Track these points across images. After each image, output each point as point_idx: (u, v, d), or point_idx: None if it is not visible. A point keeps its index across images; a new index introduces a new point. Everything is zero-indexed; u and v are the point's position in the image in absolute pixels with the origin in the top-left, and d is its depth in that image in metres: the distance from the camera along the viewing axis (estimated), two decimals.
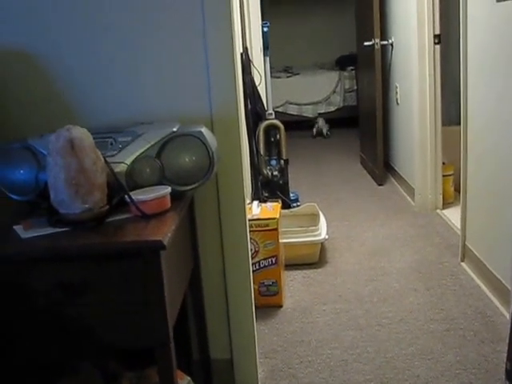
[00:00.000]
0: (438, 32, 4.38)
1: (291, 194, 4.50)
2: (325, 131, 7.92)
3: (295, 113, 8.07)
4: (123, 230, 1.75)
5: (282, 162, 4.46)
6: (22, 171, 2.00)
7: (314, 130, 8.00)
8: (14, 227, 1.81)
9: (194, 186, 1.95)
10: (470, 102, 3.46)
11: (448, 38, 4.77)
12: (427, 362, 2.66)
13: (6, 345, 1.75)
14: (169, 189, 1.84)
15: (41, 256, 1.69)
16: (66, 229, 1.76)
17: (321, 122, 8.01)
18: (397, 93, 5.30)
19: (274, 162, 4.45)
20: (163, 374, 1.71)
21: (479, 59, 3.28)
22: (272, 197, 4.14)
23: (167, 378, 1.71)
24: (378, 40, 5.19)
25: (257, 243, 3.13)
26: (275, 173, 4.40)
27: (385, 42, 5.37)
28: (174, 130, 1.96)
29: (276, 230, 3.17)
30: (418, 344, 2.80)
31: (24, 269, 1.69)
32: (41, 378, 1.96)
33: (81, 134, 1.76)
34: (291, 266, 3.63)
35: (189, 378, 1.98)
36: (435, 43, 4.41)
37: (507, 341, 2.51)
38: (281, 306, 3.24)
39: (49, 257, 1.69)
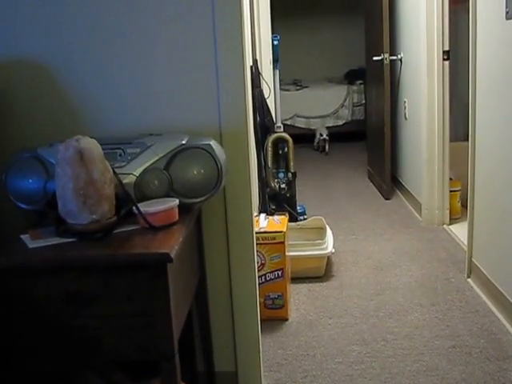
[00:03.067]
0: (447, 48, 4.38)
1: (298, 207, 4.48)
2: (326, 147, 7.74)
3: (303, 126, 8.06)
4: (130, 241, 1.74)
5: (290, 174, 4.45)
6: (30, 180, 2.00)
7: (315, 142, 7.93)
8: (22, 236, 1.81)
9: (202, 198, 1.94)
10: (478, 117, 3.45)
11: (457, 54, 4.77)
12: (432, 379, 2.63)
13: (12, 354, 1.75)
14: (177, 201, 1.84)
15: (48, 266, 1.69)
16: (74, 239, 1.76)
17: (321, 136, 7.78)
18: (405, 108, 5.29)
19: (281, 175, 4.44)
20: None
21: (488, 76, 3.27)
22: (279, 209, 4.13)
23: None
24: (387, 55, 5.18)
25: (263, 256, 3.11)
26: (283, 185, 4.39)
27: (394, 57, 5.36)
28: (183, 142, 1.96)
29: (283, 243, 3.15)
30: (423, 360, 2.77)
31: (31, 279, 1.69)
32: None
33: (90, 144, 1.76)
34: (297, 279, 3.61)
35: None
36: (444, 59, 4.40)
37: None
38: (286, 319, 3.22)
39: (56, 267, 1.68)
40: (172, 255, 1.60)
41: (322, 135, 7.65)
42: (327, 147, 7.70)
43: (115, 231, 1.79)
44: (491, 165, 3.29)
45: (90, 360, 1.78)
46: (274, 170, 4.42)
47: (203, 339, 2.39)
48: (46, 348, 1.73)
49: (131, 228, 1.81)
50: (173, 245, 1.66)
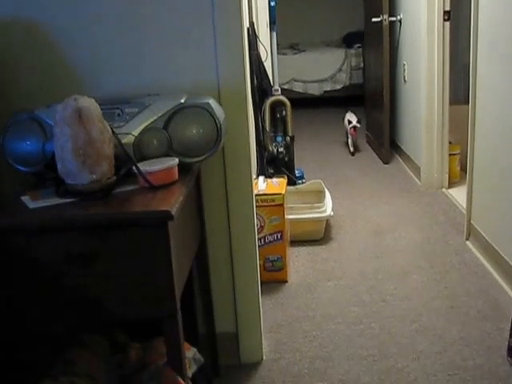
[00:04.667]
0: (448, 8, 4.35)
1: (296, 171, 4.50)
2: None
3: (301, 90, 8.04)
4: (130, 200, 1.76)
5: (288, 138, 4.45)
6: (28, 142, 2.00)
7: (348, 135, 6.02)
8: (22, 198, 1.82)
9: (201, 157, 1.96)
10: (479, 80, 3.45)
11: (458, 15, 4.75)
12: (430, 338, 2.68)
13: (14, 316, 1.77)
14: (176, 160, 1.85)
15: (49, 226, 1.70)
16: (74, 199, 1.77)
17: (349, 124, 5.93)
18: (404, 70, 5.28)
19: (279, 139, 4.44)
20: (171, 344, 1.73)
21: (490, 36, 3.27)
22: (277, 173, 4.14)
23: (175, 349, 1.73)
24: (386, 16, 5.15)
25: (262, 218, 3.14)
26: (281, 149, 4.39)
27: (393, 19, 5.33)
28: (182, 101, 1.97)
29: (282, 205, 3.18)
30: (422, 320, 2.82)
31: (31, 239, 1.70)
32: (49, 349, 1.97)
33: (88, 103, 1.76)
34: (296, 242, 3.64)
35: (195, 350, 2.00)
36: (445, 20, 4.38)
37: (510, 318, 2.53)
38: (285, 282, 3.26)
39: (56, 227, 1.70)
40: (173, 213, 1.62)
41: (350, 122, 5.91)
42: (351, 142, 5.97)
43: (115, 191, 1.80)
44: (491, 128, 3.31)
45: (92, 320, 1.82)
46: (272, 134, 4.42)
47: (204, 301, 2.42)
48: (47, 308, 1.76)
49: (131, 188, 1.83)
50: (173, 203, 1.68)
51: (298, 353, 2.63)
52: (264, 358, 2.59)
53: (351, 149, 5.87)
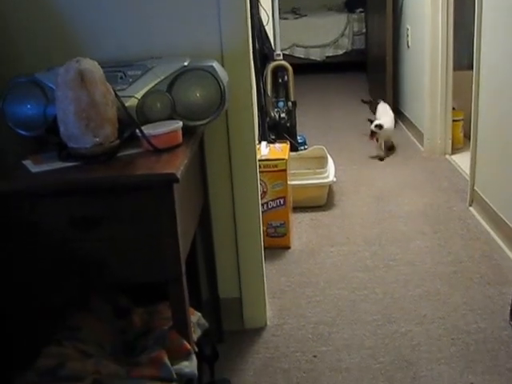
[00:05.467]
0: None
1: (298, 137, 4.49)
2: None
3: (302, 56, 7.98)
4: (135, 164, 1.75)
5: (290, 104, 4.43)
6: (29, 106, 1.99)
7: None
8: (23, 162, 1.82)
9: (205, 121, 1.95)
10: (483, 45, 3.42)
11: None
12: (434, 303, 2.70)
13: (17, 282, 1.78)
14: (180, 123, 1.84)
15: (51, 190, 1.70)
16: (77, 163, 1.77)
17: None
18: (407, 35, 5.24)
19: (281, 104, 4.43)
20: (176, 308, 1.74)
21: (495, 0, 3.23)
22: (279, 139, 4.13)
23: (180, 313, 1.74)
24: None
25: (265, 184, 3.14)
26: (282, 115, 4.38)
27: None
28: (185, 64, 1.95)
29: (285, 170, 3.18)
30: (425, 286, 2.84)
31: (35, 203, 1.70)
32: (52, 314, 1.98)
33: (91, 66, 1.75)
34: (299, 208, 3.64)
35: (199, 314, 2.00)
36: None
37: None
38: (288, 248, 3.28)
39: (59, 191, 1.69)
40: (178, 175, 1.62)
41: (370, 120, 4.68)
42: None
43: (118, 154, 1.80)
44: (495, 94, 3.29)
45: (96, 284, 1.83)
46: (274, 99, 4.40)
47: (207, 266, 2.43)
48: (50, 273, 1.76)
49: (134, 151, 1.82)
50: (178, 166, 1.67)
51: (302, 318, 2.65)
52: (268, 323, 2.61)
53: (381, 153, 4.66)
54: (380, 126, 4.52)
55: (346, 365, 2.34)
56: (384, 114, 4.82)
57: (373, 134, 4.55)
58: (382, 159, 4.61)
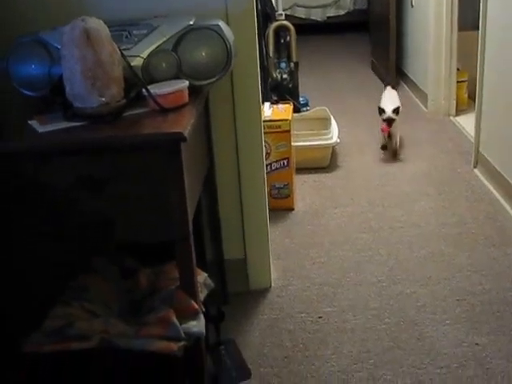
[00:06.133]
0: None
1: (301, 98, 4.48)
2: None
3: (303, 16, 7.91)
4: (141, 123, 1.76)
5: (292, 64, 4.41)
6: (33, 66, 1.99)
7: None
8: (29, 122, 1.81)
9: (211, 80, 1.94)
10: (490, 4, 3.39)
11: None
12: (439, 265, 2.72)
13: (24, 242, 1.79)
14: (186, 83, 1.84)
15: (58, 150, 1.71)
16: (83, 123, 1.77)
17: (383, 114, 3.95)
18: None
19: (283, 65, 4.40)
20: (183, 268, 1.75)
21: None
22: (281, 101, 4.12)
23: (187, 272, 1.75)
24: None
25: (269, 145, 3.14)
26: (285, 76, 4.36)
27: None
28: (191, 23, 1.94)
29: (288, 131, 3.18)
30: (430, 247, 2.86)
31: (41, 163, 1.71)
32: (58, 276, 1.99)
33: (96, 24, 1.74)
34: (302, 169, 3.64)
35: (205, 275, 2.02)
36: None
37: None
38: (292, 209, 3.29)
39: (67, 150, 1.70)
40: (185, 134, 1.62)
41: (384, 112, 3.91)
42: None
43: (125, 114, 1.80)
44: (501, 54, 3.27)
45: (104, 244, 1.84)
46: (276, 60, 4.38)
47: (212, 227, 2.45)
48: (57, 234, 1.78)
49: (141, 111, 1.82)
50: (185, 125, 1.67)
51: (307, 279, 2.68)
52: (272, 284, 2.64)
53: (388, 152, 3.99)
54: (397, 111, 3.88)
55: (351, 325, 2.37)
56: (391, 102, 4.01)
57: (390, 123, 3.86)
58: (385, 147, 4.03)
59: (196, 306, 1.76)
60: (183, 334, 1.68)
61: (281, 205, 3.24)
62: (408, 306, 2.46)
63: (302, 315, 2.44)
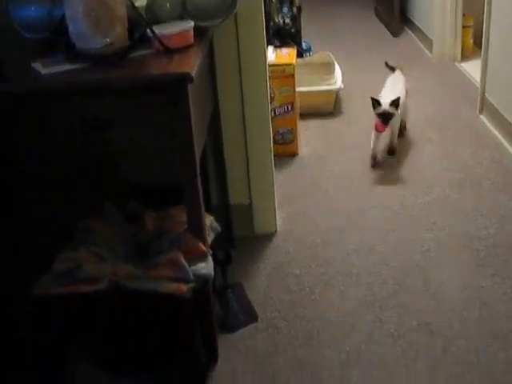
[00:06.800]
0: None
1: (303, 44, 4.43)
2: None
3: None
4: (147, 64, 1.75)
5: (295, 9, 4.34)
6: (33, 8, 1.96)
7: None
8: (32, 64, 1.80)
9: (216, 21, 1.93)
10: None
11: None
12: (444, 210, 2.74)
13: (28, 186, 1.80)
14: (192, 23, 1.82)
15: (63, 91, 1.70)
16: (87, 64, 1.75)
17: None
18: None
19: (285, 10, 4.34)
20: (191, 210, 1.77)
21: None
22: (283, 45, 4.07)
23: (195, 214, 1.77)
24: None
25: (272, 90, 3.11)
26: (287, 20, 4.30)
27: None
28: None
29: (292, 76, 3.16)
30: (434, 192, 2.87)
31: (46, 104, 1.70)
32: (64, 220, 2.00)
33: None
34: (306, 115, 3.62)
35: (212, 218, 2.03)
36: None
37: None
38: (296, 155, 3.30)
39: (72, 92, 1.70)
40: (192, 75, 1.61)
41: (378, 104, 3.12)
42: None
43: (129, 56, 1.79)
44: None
45: (112, 187, 1.85)
46: (278, 5, 4.31)
47: (217, 172, 2.46)
48: (62, 178, 1.78)
49: (145, 52, 1.81)
50: (191, 66, 1.67)
51: (312, 224, 2.70)
52: (278, 229, 2.66)
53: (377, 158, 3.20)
54: (397, 104, 3.10)
55: (356, 269, 2.40)
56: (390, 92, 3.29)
57: (386, 118, 3.09)
58: (375, 163, 3.16)
59: (204, 248, 1.78)
60: (192, 276, 1.70)
61: (285, 150, 3.23)
62: (413, 251, 2.48)
63: (308, 259, 2.46)
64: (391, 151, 3.24)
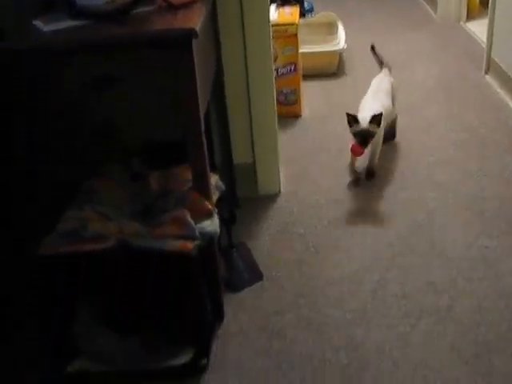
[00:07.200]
0: None
1: (305, 3, 4.39)
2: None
3: None
4: (150, 21, 1.75)
5: None
6: None
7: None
8: (34, 22, 1.80)
9: None
10: None
11: None
12: (448, 170, 2.75)
13: (33, 146, 1.81)
14: None
15: (66, 48, 1.70)
16: (89, 21, 1.76)
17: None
18: None
19: None
20: (196, 167, 1.78)
21: None
22: (286, 3, 4.04)
23: (200, 172, 1.78)
24: None
25: (275, 49, 3.09)
26: None
27: None
28: None
29: (295, 35, 3.15)
30: (439, 153, 2.89)
31: (49, 62, 1.71)
32: (69, 180, 2.01)
33: None
34: (309, 76, 3.61)
35: (217, 177, 2.05)
36: None
37: None
38: (299, 116, 3.31)
39: (74, 49, 1.69)
40: (197, 30, 1.61)
41: (355, 121, 2.62)
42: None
43: (132, 12, 1.79)
44: None
45: (113, 146, 1.86)
46: None
47: (221, 132, 2.46)
48: (65, 137, 1.80)
49: (148, 8, 1.81)
50: (196, 21, 1.67)
51: (315, 185, 2.71)
52: (281, 190, 2.68)
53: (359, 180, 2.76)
54: (378, 122, 2.59)
55: (361, 229, 2.42)
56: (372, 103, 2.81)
57: (364, 139, 2.59)
58: (357, 181, 2.73)
59: (210, 206, 1.80)
60: (198, 234, 1.73)
61: (288, 111, 3.24)
62: (418, 211, 2.50)
63: (312, 219, 2.49)
64: (369, 174, 2.72)
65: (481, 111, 3.23)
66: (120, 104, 1.75)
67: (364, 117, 2.61)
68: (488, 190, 2.60)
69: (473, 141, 2.96)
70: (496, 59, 3.51)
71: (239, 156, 2.54)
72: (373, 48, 3.19)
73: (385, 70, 3.09)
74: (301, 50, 3.34)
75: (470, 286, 2.12)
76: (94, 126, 1.78)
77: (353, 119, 2.59)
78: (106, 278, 1.80)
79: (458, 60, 3.90)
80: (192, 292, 1.79)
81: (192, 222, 1.72)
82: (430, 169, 2.77)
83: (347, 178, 2.74)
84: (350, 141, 2.64)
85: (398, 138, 3.02)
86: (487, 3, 3.57)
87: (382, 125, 2.62)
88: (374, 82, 3.01)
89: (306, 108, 3.38)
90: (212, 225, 1.78)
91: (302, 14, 4.17)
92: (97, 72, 1.70)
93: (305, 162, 2.89)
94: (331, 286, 2.16)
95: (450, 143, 2.96)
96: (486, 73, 3.63)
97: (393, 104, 2.92)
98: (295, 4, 3.63)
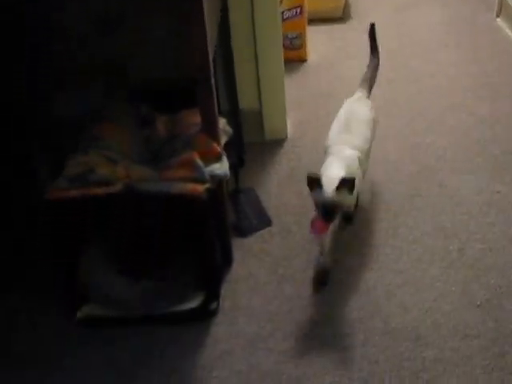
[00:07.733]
0: None
1: None
2: None
3: None
4: None
5: None
6: None
7: None
8: None
9: None
10: None
11: None
12: (460, 115, 2.76)
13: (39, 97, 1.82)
14: None
15: None
16: None
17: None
18: None
19: None
20: (204, 109, 1.79)
21: None
22: None
23: (208, 114, 1.79)
24: None
25: None
26: None
27: None
28: None
29: None
30: (450, 98, 2.89)
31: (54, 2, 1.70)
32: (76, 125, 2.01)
33: None
34: (314, 20, 3.57)
35: (224, 120, 2.05)
36: None
37: None
38: (305, 61, 3.29)
39: None
40: None
41: (318, 186, 1.86)
42: None
43: None
44: None
45: (124, 87, 1.87)
46: None
47: (226, 77, 2.45)
48: (71, 79, 1.80)
49: None
50: None
51: (322, 130, 2.69)
52: (288, 135, 2.69)
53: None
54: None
55: (370, 176, 2.41)
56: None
57: (328, 213, 1.86)
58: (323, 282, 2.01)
59: (218, 149, 1.81)
60: (208, 176, 1.74)
61: (294, 56, 3.22)
62: (428, 156, 2.52)
63: (320, 165, 2.48)
64: (347, 218, 2.16)
65: (492, 55, 3.22)
66: (129, 40, 1.74)
67: (330, 180, 1.87)
68: (500, 135, 2.60)
69: (485, 86, 2.96)
70: (508, 1, 3.48)
71: (246, 101, 2.53)
72: (372, 28, 2.54)
73: (360, 91, 2.35)
74: None
75: (481, 231, 2.14)
76: (106, 65, 1.78)
77: (315, 182, 1.87)
78: (114, 224, 1.82)
79: (468, 2, 3.85)
80: (201, 235, 1.81)
81: (201, 164, 1.74)
82: (441, 113, 2.77)
83: None
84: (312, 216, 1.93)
85: (406, 82, 3.02)
86: None
87: (355, 190, 1.91)
88: (344, 111, 2.26)
89: (312, 53, 3.36)
90: (221, 168, 1.79)
91: None
92: (104, 8, 1.69)
93: (311, 108, 2.89)
94: None
95: (461, 87, 2.96)
96: (498, 15, 3.60)
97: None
98: None
